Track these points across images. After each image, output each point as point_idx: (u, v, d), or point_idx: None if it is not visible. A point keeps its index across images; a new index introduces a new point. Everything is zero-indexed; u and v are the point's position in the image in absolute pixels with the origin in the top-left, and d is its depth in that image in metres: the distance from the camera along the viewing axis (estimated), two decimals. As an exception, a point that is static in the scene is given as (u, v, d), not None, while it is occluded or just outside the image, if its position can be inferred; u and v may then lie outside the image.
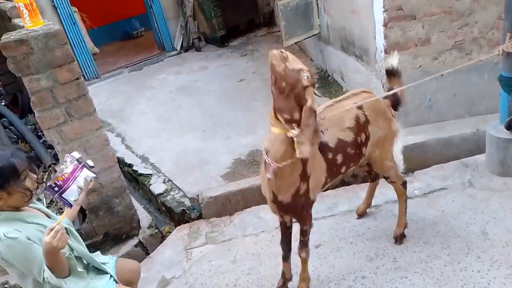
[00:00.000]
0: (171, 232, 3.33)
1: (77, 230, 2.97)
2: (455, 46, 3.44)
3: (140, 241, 3.17)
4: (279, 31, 5.42)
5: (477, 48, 3.44)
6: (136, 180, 4.03)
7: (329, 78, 5.07)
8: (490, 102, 3.44)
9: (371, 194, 2.93)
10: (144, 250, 3.18)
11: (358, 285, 2.46)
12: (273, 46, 6.45)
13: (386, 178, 2.57)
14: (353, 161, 2.32)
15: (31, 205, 1.81)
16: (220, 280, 2.70)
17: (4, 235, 1.61)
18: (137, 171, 4.02)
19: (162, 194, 3.64)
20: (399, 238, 2.67)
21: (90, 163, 1.98)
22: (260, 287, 2.57)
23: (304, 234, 2.27)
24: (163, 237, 3.30)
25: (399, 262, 2.54)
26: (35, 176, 1.72)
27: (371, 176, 2.83)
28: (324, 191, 2.57)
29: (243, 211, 3.33)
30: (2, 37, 2.48)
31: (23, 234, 1.64)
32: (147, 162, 4.13)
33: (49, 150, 3.79)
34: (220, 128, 4.41)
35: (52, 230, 1.55)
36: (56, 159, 3.44)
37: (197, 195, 3.49)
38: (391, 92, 2.43)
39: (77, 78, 2.67)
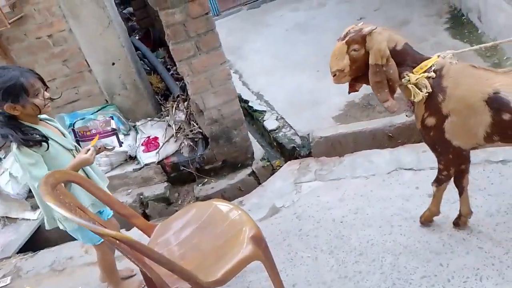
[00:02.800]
0: (281, 166, 3.49)
1: (201, 155, 3.31)
2: None
3: (253, 171, 3.42)
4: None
5: None
6: (251, 116, 4.24)
7: (463, 18, 4.53)
8: None
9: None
10: (256, 180, 3.42)
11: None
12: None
13: None
14: None
15: (50, 123, 2.14)
16: (327, 215, 2.80)
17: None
18: (252, 107, 4.21)
19: (274, 130, 3.80)
20: None
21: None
22: (367, 227, 2.60)
23: (439, 171, 2.14)
24: (273, 170, 3.49)
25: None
26: (47, 94, 1.98)
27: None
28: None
29: (353, 154, 3.31)
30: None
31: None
32: (261, 99, 4.28)
33: (177, 82, 4.14)
34: (335, 69, 4.31)
35: (88, 150, 2.05)
36: (183, 90, 3.75)
37: (308, 134, 3.56)
38: None
39: (207, 13, 2.81)
